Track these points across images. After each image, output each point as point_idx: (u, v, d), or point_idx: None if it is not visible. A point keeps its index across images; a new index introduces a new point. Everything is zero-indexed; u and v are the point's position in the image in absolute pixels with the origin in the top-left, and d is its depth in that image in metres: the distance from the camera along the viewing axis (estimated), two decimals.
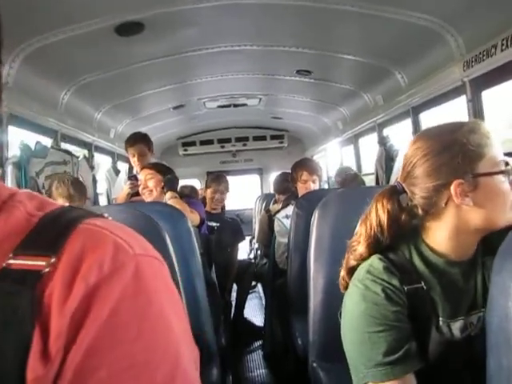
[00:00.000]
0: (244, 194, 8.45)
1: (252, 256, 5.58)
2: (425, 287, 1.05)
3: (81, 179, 3.61)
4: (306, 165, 3.26)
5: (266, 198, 5.80)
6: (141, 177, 2.74)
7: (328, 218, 2.01)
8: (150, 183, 2.66)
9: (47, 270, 0.42)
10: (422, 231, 1.11)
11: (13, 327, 0.39)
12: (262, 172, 8.24)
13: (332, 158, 6.45)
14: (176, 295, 0.49)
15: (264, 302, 4.25)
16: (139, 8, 2.59)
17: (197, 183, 7.94)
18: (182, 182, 7.47)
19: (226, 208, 7.45)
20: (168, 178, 2.67)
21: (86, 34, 2.62)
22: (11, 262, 0.42)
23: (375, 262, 1.08)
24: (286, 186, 3.68)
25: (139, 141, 3.46)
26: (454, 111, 3.02)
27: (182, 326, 0.47)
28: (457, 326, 1.06)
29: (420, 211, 1.09)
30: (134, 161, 3.43)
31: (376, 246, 1.11)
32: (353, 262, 1.14)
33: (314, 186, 3.26)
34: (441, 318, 1.05)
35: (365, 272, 1.07)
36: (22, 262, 0.42)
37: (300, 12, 2.80)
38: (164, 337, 0.44)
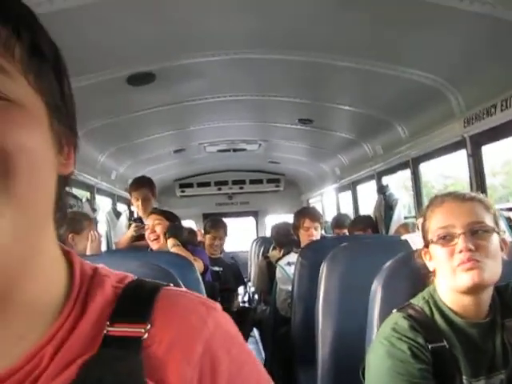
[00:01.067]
0: (239, 236, 8.48)
1: (246, 299, 5.54)
2: (447, 346, 1.08)
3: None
4: (307, 212, 3.31)
5: (264, 242, 5.80)
6: (148, 222, 2.76)
7: (337, 271, 2.01)
8: (157, 229, 2.67)
9: (146, 336, 0.49)
10: (436, 289, 1.17)
11: None
12: (257, 215, 8.26)
13: (328, 203, 6.50)
14: None
15: (261, 348, 4.19)
16: (152, 60, 2.69)
17: (193, 224, 7.97)
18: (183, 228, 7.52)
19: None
20: (172, 225, 2.69)
21: (98, 83, 2.70)
22: (110, 329, 0.49)
23: (400, 319, 1.11)
24: (288, 240, 3.69)
25: (144, 185, 3.46)
26: (454, 163, 3.11)
27: None
28: None
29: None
30: (138, 205, 3.43)
31: None
32: None
33: (316, 233, 3.30)
34: (464, 377, 1.08)
35: (390, 329, 1.10)
36: (121, 330, 0.49)
37: (302, 66, 2.91)
38: (260, 366, 0.56)
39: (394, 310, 1.15)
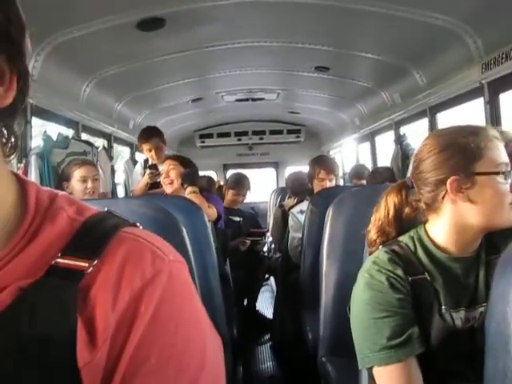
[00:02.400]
0: (259, 187, 8.49)
1: (265, 249, 5.63)
2: (428, 278, 1.11)
3: (100, 170, 3.70)
4: (324, 163, 3.29)
5: (281, 192, 5.81)
6: (164, 167, 2.80)
7: (342, 216, 2.02)
8: (171, 173, 2.73)
9: (90, 270, 0.49)
10: (425, 226, 1.17)
11: (59, 316, 0.46)
12: (277, 166, 8.23)
13: (348, 155, 6.44)
14: (196, 294, 0.56)
15: (275, 295, 4.30)
16: (161, 4, 2.64)
17: (213, 175, 8.03)
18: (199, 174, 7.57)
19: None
20: (187, 171, 2.72)
21: (108, 28, 2.68)
22: (59, 260, 0.49)
23: (381, 253, 1.15)
24: (303, 189, 3.70)
25: (153, 135, 3.50)
26: (472, 113, 3.02)
27: (206, 320, 0.55)
28: (459, 316, 1.11)
29: (423, 205, 1.16)
30: (152, 155, 3.48)
31: (383, 236, 1.19)
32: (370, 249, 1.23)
33: (331, 185, 3.29)
34: (443, 307, 1.10)
35: (371, 263, 1.13)
36: (68, 262, 0.49)
37: (319, 10, 2.83)
38: (196, 329, 0.53)
39: (380, 246, 1.17)
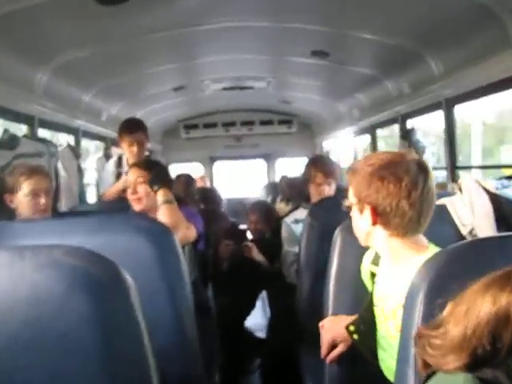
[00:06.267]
0: (249, 180, 8.09)
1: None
2: None
3: (62, 173, 3.18)
4: (321, 166, 2.80)
5: (273, 190, 5.37)
6: (129, 176, 2.26)
7: (354, 245, 1.56)
8: (139, 189, 2.18)
9: None
10: None
11: None
12: (268, 158, 7.82)
13: (344, 148, 6.00)
14: None
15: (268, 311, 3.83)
16: None
17: (200, 167, 7.59)
18: (184, 167, 7.10)
19: (231, 196, 7.14)
20: (155, 172, 2.18)
21: (59, 2, 2.15)
22: None
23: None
24: (298, 193, 3.22)
25: (139, 128, 3.13)
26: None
27: None
28: None
29: None
30: (133, 150, 3.07)
31: (476, 362, 0.67)
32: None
33: (329, 190, 2.82)
34: None
35: None
36: None
37: None
38: None
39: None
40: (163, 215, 2.03)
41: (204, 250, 2.41)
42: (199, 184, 6.25)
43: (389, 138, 5.56)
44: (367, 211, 1.27)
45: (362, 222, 1.31)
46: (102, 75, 3.63)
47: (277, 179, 6.72)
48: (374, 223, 1.27)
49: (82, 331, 0.93)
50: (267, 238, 3.32)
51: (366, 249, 1.52)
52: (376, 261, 1.44)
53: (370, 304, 1.41)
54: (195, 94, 5.53)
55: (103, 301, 0.97)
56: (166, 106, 5.70)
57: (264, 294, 3.67)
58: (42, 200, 2.11)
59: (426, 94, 3.23)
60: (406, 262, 1.26)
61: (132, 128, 3.10)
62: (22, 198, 2.09)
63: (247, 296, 3.21)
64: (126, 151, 3.14)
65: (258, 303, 3.65)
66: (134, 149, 3.05)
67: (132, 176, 2.20)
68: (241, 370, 3.09)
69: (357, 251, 1.58)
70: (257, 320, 3.86)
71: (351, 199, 1.34)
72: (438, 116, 3.23)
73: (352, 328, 1.46)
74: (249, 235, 3.54)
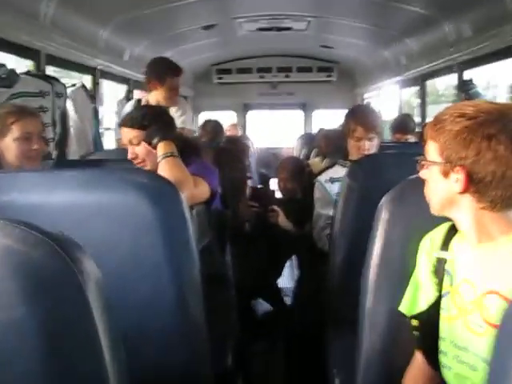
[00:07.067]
0: (284, 130, 7.78)
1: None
2: None
3: (74, 116, 2.90)
4: (361, 118, 2.39)
5: (308, 140, 5.00)
6: (123, 140, 1.92)
7: (403, 217, 1.33)
8: (138, 150, 1.83)
9: None
10: None
11: None
12: (305, 107, 7.43)
13: (388, 101, 5.54)
14: None
15: (296, 274, 3.54)
16: None
17: (233, 116, 7.30)
18: (216, 113, 6.85)
19: (262, 145, 6.84)
20: (149, 125, 1.83)
21: None
22: None
23: None
24: (334, 150, 2.84)
25: (180, 72, 2.93)
26: None
27: None
28: None
29: None
30: (168, 94, 2.83)
31: None
32: None
33: (371, 146, 2.42)
34: None
35: None
36: None
37: None
38: None
39: None
40: (163, 171, 1.71)
41: (221, 211, 2.08)
42: (230, 133, 5.99)
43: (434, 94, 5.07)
44: (458, 176, 1.01)
45: (444, 186, 1.05)
46: (121, 6, 3.25)
47: (314, 131, 6.38)
48: (464, 191, 1.02)
49: None
50: (298, 198, 2.98)
51: (419, 227, 1.21)
52: (446, 245, 1.16)
53: (436, 299, 1.15)
54: (228, 35, 5.13)
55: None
56: (197, 47, 5.32)
57: (293, 258, 3.38)
58: (35, 145, 1.84)
59: (492, 38, 2.73)
60: (498, 242, 1.03)
61: (179, 70, 2.88)
62: (11, 142, 1.81)
63: (272, 262, 2.90)
64: (163, 94, 2.82)
65: (286, 269, 3.36)
66: (171, 93, 2.82)
67: (124, 139, 1.86)
68: (259, 347, 2.82)
69: (407, 230, 1.28)
70: (284, 284, 3.59)
71: (432, 157, 1.06)
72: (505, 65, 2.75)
73: (415, 323, 1.19)
74: (278, 194, 3.22)
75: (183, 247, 1.45)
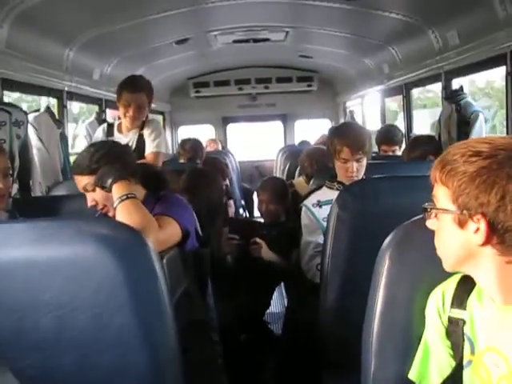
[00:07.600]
0: (264, 143, 7.65)
1: None
2: None
3: (39, 144, 2.68)
4: (347, 138, 2.20)
5: (290, 154, 4.84)
6: (79, 188, 1.72)
7: (410, 268, 1.15)
8: (96, 197, 1.63)
9: None
10: None
11: None
12: (285, 119, 7.30)
13: (371, 110, 5.43)
14: None
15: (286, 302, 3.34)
16: None
17: (211, 130, 7.13)
18: (195, 128, 6.65)
19: (244, 159, 6.70)
20: (102, 172, 1.60)
21: None
22: None
23: None
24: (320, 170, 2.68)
25: (142, 88, 2.71)
26: None
27: None
28: None
29: None
30: (127, 113, 2.67)
31: None
32: None
33: (360, 167, 2.25)
34: None
35: None
36: None
37: None
38: None
39: None
40: (120, 217, 1.50)
41: (197, 250, 1.87)
42: (210, 148, 5.81)
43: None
44: (477, 225, 0.87)
45: (459, 238, 0.90)
46: (87, 24, 3.05)
47: (296, 142, 6.29)
48: (486, 243, 0.87)
49: None
50: (281, 222, 2.80)
51: (429, 278, 1.06)
52: (460, 302, 1.00)
53: (458, 368, 0.97)
54: (203, 48, 4.96)
55: None
56: (172, 61, 5.15)
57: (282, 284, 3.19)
58: (1, 184, 1.64)
59: (482, 46, 2.61)
60: None
61: (134, 86, 2.67)
62: None
63: (259, 296, 2.70)
64: (121, 113, 2.71)
65: (275, 292, 3.16)
66: (131, 112, 2.64)
67: (79, 187, 1.65)
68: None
69: (415, 280, 1.12)
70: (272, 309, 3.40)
71: (443, 203, 0.92)
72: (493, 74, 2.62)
73: None
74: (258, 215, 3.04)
75: (154, 305, 1.28)
